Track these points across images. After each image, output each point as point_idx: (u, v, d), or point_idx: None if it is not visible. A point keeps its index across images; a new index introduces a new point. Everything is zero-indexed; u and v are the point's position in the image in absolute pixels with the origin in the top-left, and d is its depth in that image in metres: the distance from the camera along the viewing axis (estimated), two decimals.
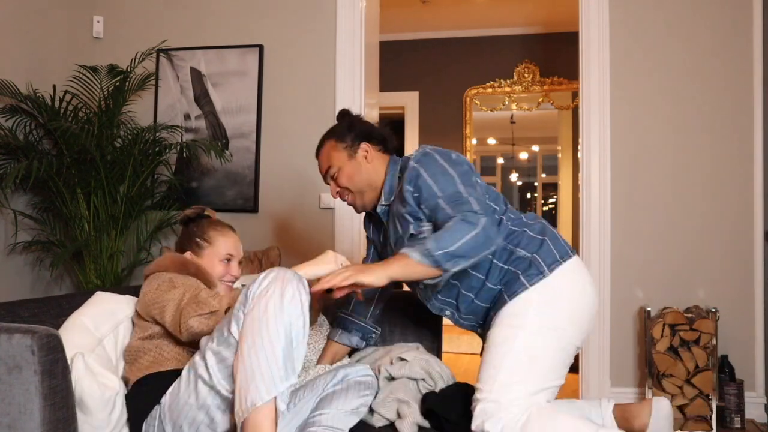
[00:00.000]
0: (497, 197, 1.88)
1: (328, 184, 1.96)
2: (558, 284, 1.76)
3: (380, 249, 2.06)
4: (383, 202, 1.90)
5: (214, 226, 1.95)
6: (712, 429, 2.81)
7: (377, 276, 1.58)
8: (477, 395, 1.69)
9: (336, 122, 2.01)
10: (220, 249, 1.91)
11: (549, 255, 1.78)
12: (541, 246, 1.79)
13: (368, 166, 1.90)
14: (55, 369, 1.41)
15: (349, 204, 1.95)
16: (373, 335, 2.10)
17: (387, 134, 1.96)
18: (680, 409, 2.85)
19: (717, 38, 3.10)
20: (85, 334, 1.73)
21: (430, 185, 1.75)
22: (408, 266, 1.61)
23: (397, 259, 1.63)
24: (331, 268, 1.72)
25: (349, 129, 1.92)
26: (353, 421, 1.72)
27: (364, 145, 1.90)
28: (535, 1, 5.07)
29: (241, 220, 3.37)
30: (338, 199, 1.95)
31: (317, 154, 1.97)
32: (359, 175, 1.89)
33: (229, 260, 1.91)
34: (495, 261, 1.78)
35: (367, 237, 2.11)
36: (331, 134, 1.94)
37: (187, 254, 1.91)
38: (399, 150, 1.99)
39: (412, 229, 1.80)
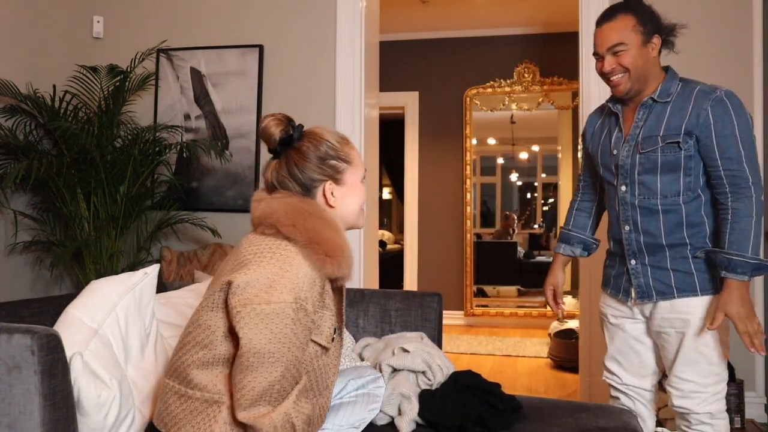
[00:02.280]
0: None
1: (599, 57, 1.89)
2: None
3: (601, 155, 1.99)
4: (655, 97, 1.87)
5: (337, 135, 1.44)
6: None
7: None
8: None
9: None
10: (359, 165, 1.44)
11: None
12: None
13: (652, 60, 1.88)
14: (55, 369, 1.41)
15: (614, 84, 1.88)
16: (594, 245, 2.20)
17: (674, 39, 1.94)
18: None
19: (717, 38, 3.10)
20: (79, 329, 1.64)
21: (736, 132, 1.75)
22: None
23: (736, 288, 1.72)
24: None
25: (650, 18, 1.87)
26: None
27: (656, 39, 1.87)
28: (535, 1, 5.07)
29: (241, 221, 3.37)
30: (607, 70, 1.87)
31: (603, 21, 1.88)
32: (644, 63, 1.85)
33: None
34: None
35: (586, 149, 2.11)
36: (632, 11, 1.86)
37: (328, 191, 1.40)
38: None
39: (681, 146, 1.79)
